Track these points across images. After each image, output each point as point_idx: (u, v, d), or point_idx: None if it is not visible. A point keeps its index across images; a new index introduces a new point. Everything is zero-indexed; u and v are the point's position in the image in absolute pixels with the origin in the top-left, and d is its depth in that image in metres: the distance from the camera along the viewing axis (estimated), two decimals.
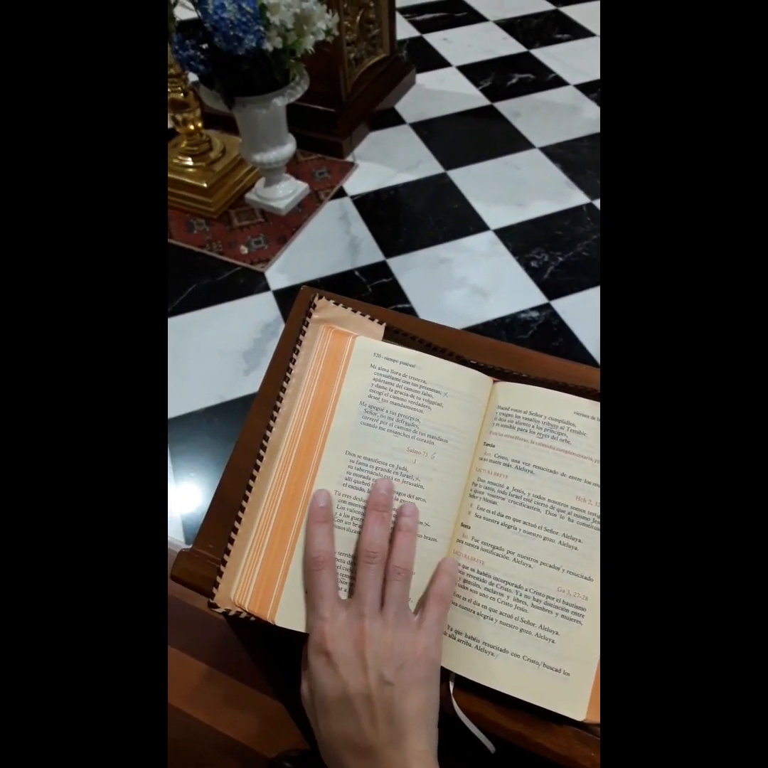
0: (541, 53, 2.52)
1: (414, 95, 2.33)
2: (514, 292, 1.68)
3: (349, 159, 2.05)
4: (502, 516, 0.41)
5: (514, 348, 0.47)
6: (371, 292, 1.68)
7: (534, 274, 1.73)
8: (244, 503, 0.43)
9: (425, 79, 2.40)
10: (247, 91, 1.52)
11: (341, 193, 1.94)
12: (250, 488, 0.44)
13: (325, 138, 2.00)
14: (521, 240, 1.82)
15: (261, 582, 0.41)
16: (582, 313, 1.62)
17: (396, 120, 2.22)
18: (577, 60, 2.48)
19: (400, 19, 2.64)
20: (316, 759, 0.39)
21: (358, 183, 1.98)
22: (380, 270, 1.73)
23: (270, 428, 0.45)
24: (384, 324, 0.48)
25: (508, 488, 0.42)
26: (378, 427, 0.44)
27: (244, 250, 1.75)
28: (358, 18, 1.90)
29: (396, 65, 2.23)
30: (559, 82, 2.38)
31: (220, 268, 1.74)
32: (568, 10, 2.76)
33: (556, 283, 1.70)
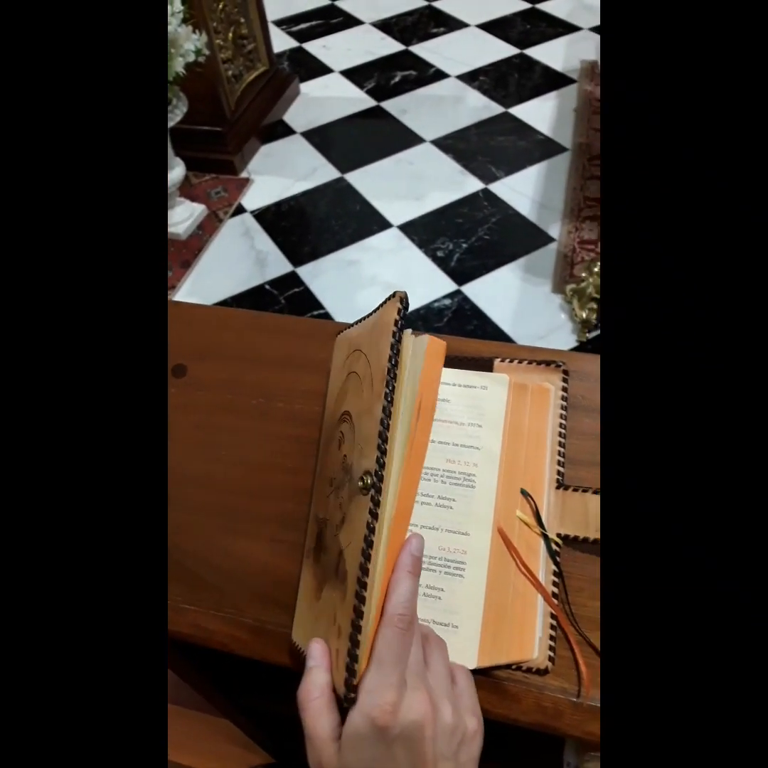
0: (419, 49, 2.58)
1: (301, 104, 2.35)
2: (424, 283, 1.72)
3: (244, 175, 2.05)
4: None
5: None
6: (285, 303, 1.68)
7: (441, 263, 1.77)
8: (367, 564, 0.33)
9: (310, 88, 2.43)
10: None
11: (240, 210, 1.94)
12: (370, 544, 0.33)
13: (216, 157, 1.99)
14: (425, 232, 1.86)
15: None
16: (492, 294, 1.67)
17: (286, 131, 2.23)
18: (456, 51, 2.55)
19: (277, 31, 2.66)
20: None
21: (256, 197, 1.98)
22: (291, 280, 1.74)
23: (382, 464, 0.34)
24: None
25: None
26: None
27: None
28: (230, 35, 1.90)
29: (277, 77, 2.25)
30: (440, 75, 2.44)
31: None
32: (441, 5, 2.83)
33: (463, 269, 1.75)
